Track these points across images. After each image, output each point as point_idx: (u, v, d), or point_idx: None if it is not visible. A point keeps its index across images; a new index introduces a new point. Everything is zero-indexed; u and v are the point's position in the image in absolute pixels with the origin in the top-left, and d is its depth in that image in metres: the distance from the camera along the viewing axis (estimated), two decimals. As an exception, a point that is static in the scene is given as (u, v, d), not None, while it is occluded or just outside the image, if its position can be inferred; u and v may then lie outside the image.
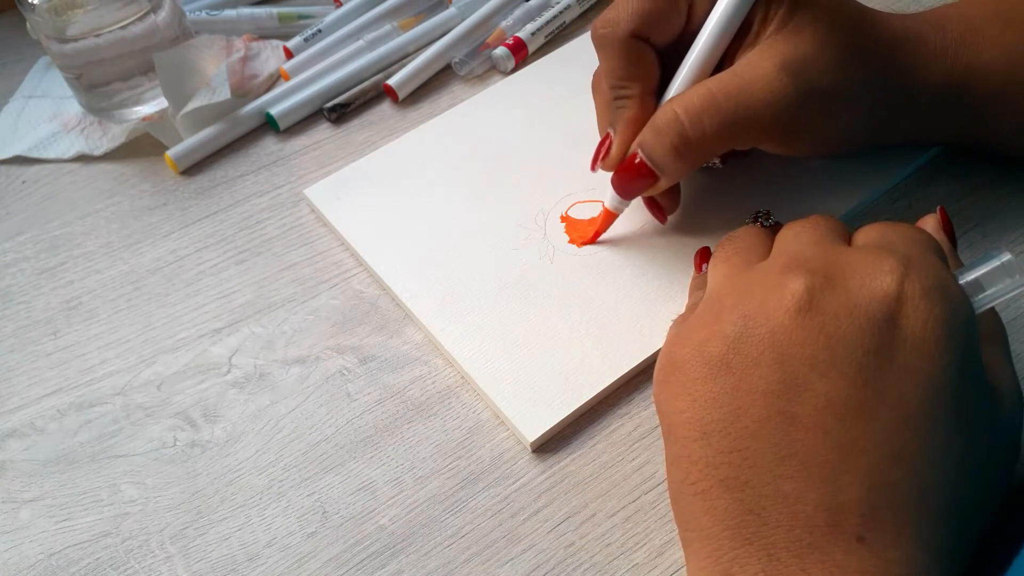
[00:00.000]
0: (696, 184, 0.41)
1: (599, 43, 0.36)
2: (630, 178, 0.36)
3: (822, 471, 0.24)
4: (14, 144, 0.49)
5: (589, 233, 0.40)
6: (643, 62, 0.36)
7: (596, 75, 0.39)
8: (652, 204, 0.39)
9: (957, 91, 0.36)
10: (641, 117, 0.36)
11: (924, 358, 0.24)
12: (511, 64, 0.50)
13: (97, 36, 0.45)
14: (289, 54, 0.52)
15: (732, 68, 0.34)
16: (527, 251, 0.40)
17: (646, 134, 0.35)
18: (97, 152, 0.48)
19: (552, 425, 0.34)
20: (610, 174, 0.38)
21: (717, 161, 0.39)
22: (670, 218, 0.40)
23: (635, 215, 0.40)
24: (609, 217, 0.39)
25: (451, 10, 0.53)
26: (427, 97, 0.50)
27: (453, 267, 0.39)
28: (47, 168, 0.48)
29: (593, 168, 0.38)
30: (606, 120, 0.38)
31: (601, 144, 0.37)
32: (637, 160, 0.35)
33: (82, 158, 0.48)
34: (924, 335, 0.24)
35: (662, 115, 0.34)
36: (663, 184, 0.36)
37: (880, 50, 0.35)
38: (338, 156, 0.47)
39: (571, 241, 0.40)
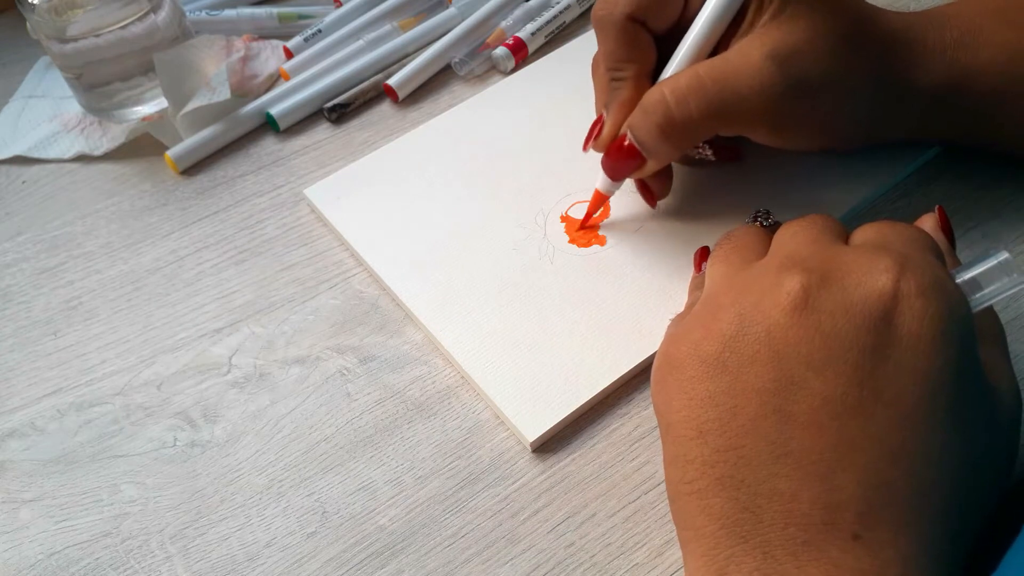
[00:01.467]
0: (696, 183, 0.41)
1: (597, 25, 0.37)
2: (618, 159, 0.36)
3: (818, 469, 0.24)
4: (14, 144, 0.50)
5: (589, 232, 0.40)
6: (639, 45, 0.36)
7: (595, 58, 0.39)
8: (643, 188, 0.39)
9: (955, 90, 0.36)
10: (634, 99, 0.36)
11: (920, 356, 0.24)
12: (511, 64, 0.50)
13: (97, 36, 0.45)
14: (289, 54, 0.52)
15: (723, 54, 0.34)
16: (527, 251, 0.40)
17: (634, 114, 0.35)
18: (97, 152, 0.48)
19: (552, 425, 0.34)
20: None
21: (709, 153, 0.39)
22: (669, 219, 0.40)
23: (635, 214, 0.40)
24: (599, 198, 0.39)
25: (451, 10, 0.53)
26: (427, 97, 0.50)
27: (453, 267, 0.39)
28: (47, 168, 0.48)
29: (585, 148, 0.38)
30: (603, 102, 0.38)
31: (594, 125, 0.38)
32: (627, 142, 0.36)
33: (82, 158, 0.49)
34: (920, 333, 0.24)
35: (650, 96, 0.35)
36: (650, 167, 0.36)
37: (877, 46, 0.35)
38: (338, 156, 0.47)
39: (571, 241, 0.40)
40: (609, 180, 0.38)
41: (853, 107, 0.36)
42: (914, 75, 0.36)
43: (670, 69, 0.36)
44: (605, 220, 0.40)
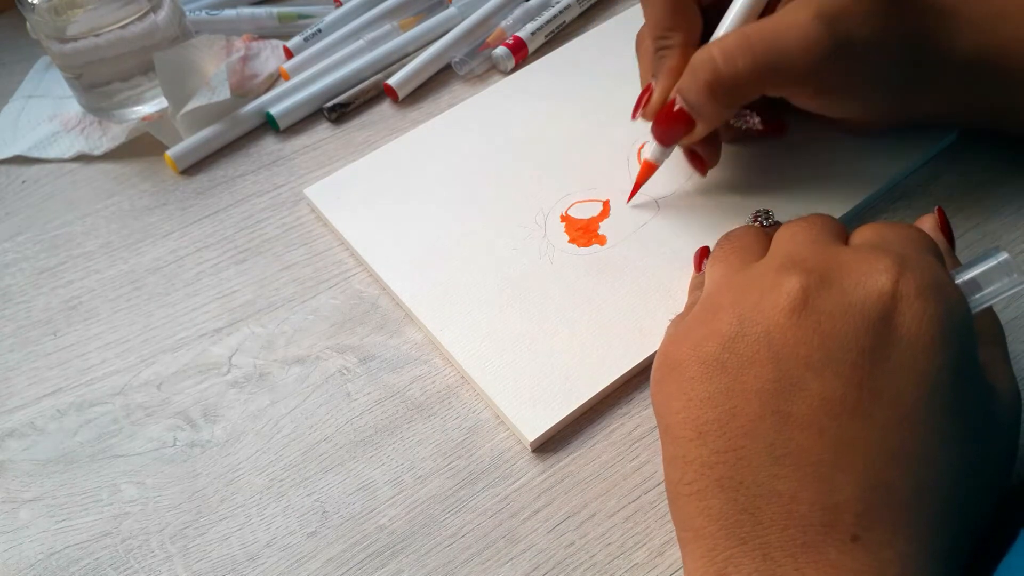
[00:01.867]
0: (696, 183, 0.41)
1: None
2: (669, 124, 0.37)
3: (817, 470, 0.24)
4: (14, 144, 0.50)
5: (589, 232, 0.40)
6: (686, 13, 0.37)
7: (640, 33, 0.40)
8: (693, 156, 0.40)
9: (990, 64, 0.36)
10: (682, 66, 0.37)
11: (919, 357, 0.24)
12: (511, 64, 0.50)
13: (97, 36, 0.45)
14: (289, 54, 0.52)
15: (770, 16, 0.35)
16: (527, 251, 0.40)
17: (684, 76, 0.36)
18: (97, 152, 0.48)
19: (552, 425, 0.34)
20: (641, 157, 0.39)
21: (756, 121, 0.39)
22: (668, 219, 0.40)
23: (635, 214, 0.40)
24: (649, 169, 0.40)
25: (451, 10, 0.53)
26: (427, 97, 0.50)
27: (453, 267, 0.39)
28: (47, 168, 0.48)
29: (634, 116, 0.39)
30: (648, 74, 0.39)
31: (643, 94, 0.38)
32: (676, 107, 0.36)
33: (82, 158, 0.49)
34: (919, 334, 0.24)
35: (698, 55, 0.35)
36: (699, 130, 0.37)
37: (917, 12, 0.35)
38: (338, 156, 0.47)
39: (571, 241, 0.40)
40: (659, 149, 0.38)
41: (894, 75, 0.36)
42: (952, 47, 0.36)
43: (718, 35, 0.37)
44: (605, 220, 0.40)
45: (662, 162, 0.39)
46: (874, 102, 0.37)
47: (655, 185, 0.41)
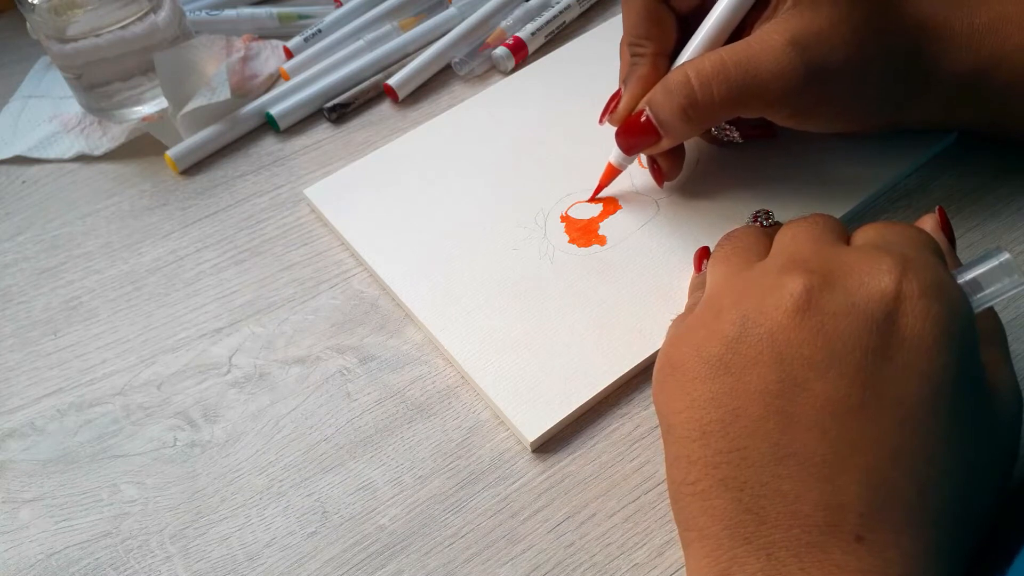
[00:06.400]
0: (696, 183, 0.41)
1: (623, 0, 0.38)
2: (634, 134, 0.37)
3: (821, 471, 0.24)
4: (14, 144, 0.50)
5: (589, 232, 0.40)
6: (661, 23, 0.37)
7: (623, 38, 0.40)
8: (653, 166, 0.40)
9: (982, 77, 0.36)
10: (652, 76, 0.37)
11: (922, 357, 0.24)
12: (511, 64, 0.50)
13: (97, 36, 0.45)
14: (289, 54, 0.52)
15: (746, 39, 0.35)
16: (527, 251, 0.40)
17: (656, 93, 0.36)
18: (97, 152, 0.48)
19: (552, 425, 0.34)
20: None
21: (736, 135, 0.39)
22: (669, 219, 0.40)
23: (636, 214, 0.40)
24: (612, 172, 0.40)
25: (451, 10, 0.53)
26: (427, 97, 0.50)
27: (453, 267, 0.39)
28: (47, 168, 0.48)
29: (601, 121, 0.39)
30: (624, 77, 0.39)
31: (612, 98, 0.39)
32: (643, 118, 0.36)
33: (82, 158, 0.49)
34: (922, 334, 0.24)
35: (674, 76, 0.35)
36: (665, 144, 0.37)
37: (904, 32, 0.35)
38: (338, 156, 0.47)
39: (571, 241, 0.40)
40: (622, 154, 0.39)
41: (875, 93, 0.36)
42: (941, 63, 0.36)
43: (689, 50, 0.37)
44: (605, 220, 0.40)
45: (625, 167, 0.40)
46: (855, 120, 0.37)
47: (655, 186, 0.41)
